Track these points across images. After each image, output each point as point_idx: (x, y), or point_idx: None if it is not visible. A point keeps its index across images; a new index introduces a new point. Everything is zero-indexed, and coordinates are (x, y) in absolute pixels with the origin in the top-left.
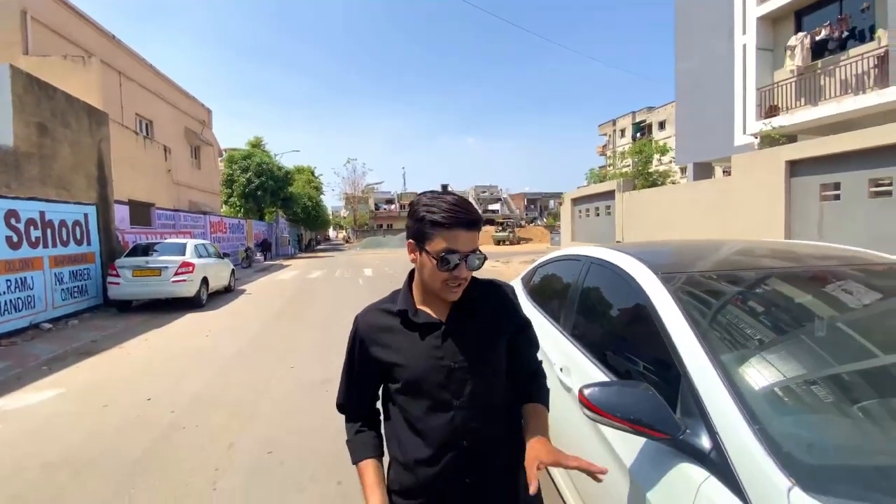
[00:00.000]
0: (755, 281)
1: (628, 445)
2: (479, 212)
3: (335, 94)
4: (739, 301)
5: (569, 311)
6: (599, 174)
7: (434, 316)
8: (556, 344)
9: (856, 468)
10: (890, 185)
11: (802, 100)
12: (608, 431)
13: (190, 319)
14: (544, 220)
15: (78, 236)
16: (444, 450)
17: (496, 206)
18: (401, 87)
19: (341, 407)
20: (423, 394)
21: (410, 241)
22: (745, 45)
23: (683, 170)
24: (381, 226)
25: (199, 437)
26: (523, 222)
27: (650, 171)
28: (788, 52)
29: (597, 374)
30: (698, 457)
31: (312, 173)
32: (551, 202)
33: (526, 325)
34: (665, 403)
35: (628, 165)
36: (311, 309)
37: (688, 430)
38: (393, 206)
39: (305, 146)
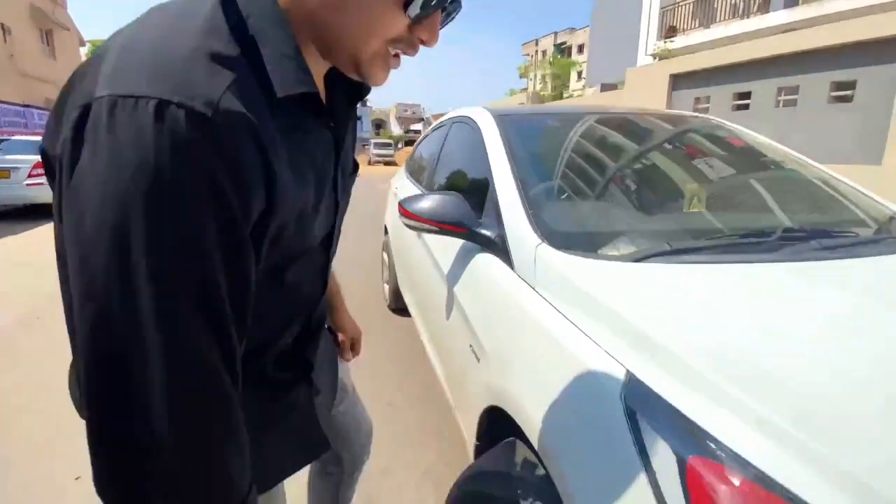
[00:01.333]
0: (572, 120)
1: (446, 256)
2: None
3: None
4: (552, 132)
5: (431, 169)
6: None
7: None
8: None
9: (590, 233)
10: (749, 98)
11: (696, 21)
12: (435, 250)
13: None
14: None
15: None
16: (308, 314)
17: (419, 126)
18: None
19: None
20: (309, 249)
21: None
22: None
23: None
24: None
25: (60, 325)
26: None
27: (564, 94)
28: None
29: None
30: (489, 244)
31: None
32: None
33: None
34: (467, 204)
35: (546, 85)
36: None
37: (483, 223)
38: None
39: None
